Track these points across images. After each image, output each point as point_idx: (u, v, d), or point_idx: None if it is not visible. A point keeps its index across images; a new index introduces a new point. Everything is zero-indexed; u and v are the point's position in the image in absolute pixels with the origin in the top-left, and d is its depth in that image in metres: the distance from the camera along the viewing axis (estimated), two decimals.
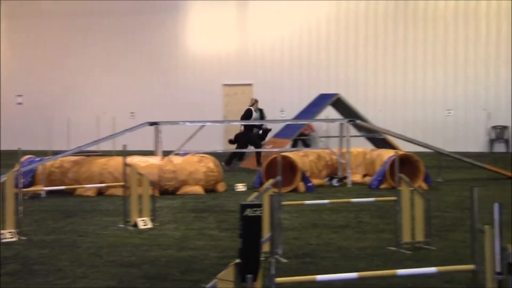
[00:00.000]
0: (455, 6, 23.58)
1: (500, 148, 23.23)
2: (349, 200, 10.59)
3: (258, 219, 4.51)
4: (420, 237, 8.01)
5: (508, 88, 22.95)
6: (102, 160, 13.52)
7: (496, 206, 5.02)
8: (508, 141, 23.16)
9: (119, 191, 11.42)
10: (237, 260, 4.49)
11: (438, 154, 15.51)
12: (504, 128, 23.23)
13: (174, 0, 25.33)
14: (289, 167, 13.44)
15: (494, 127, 23.34)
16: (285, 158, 13.07)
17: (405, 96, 24.03)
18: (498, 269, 5.11)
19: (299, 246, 8.22)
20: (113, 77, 25.36)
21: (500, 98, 23.24)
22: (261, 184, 12.44)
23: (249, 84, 24.61)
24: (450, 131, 23.12)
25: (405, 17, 23.99)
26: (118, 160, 12.03)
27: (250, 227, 4.49)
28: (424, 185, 13.36)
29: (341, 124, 15.24)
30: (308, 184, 13.43)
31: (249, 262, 4.49)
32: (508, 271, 5.12)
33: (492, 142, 23.31)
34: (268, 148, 16.84)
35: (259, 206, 4.55)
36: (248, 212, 4.47)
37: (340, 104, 17.64)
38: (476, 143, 23.03)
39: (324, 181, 14.55)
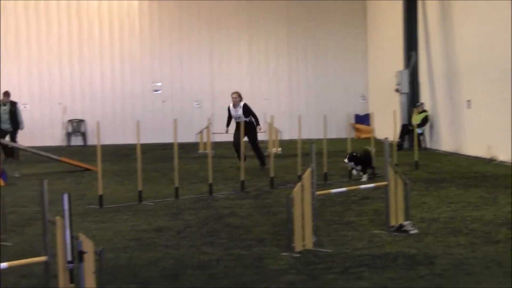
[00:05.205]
0: None
1: (77, 141, 23.82)
2: None
3: None
4: None
5: (82, 83, 23.70)
6: None
7: (64, 197, 5.17)
8: (85, 134, 23.86)
9: None
10: None
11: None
12: (81, 121, 23.87)
13: None
14: None
15: (71, 121, 23.81)
16: None
17: None
18: (69, 258, 5.28)
19: None
20: None
21: (75, 92, 23.81)
22: None
23: None
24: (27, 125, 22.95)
25: None
26: None
27: None
28: (0, 182, 13.06)
29: None
30: None
31: None
32: (79, 259, 5.33)
33: (69, 135, 23.75)
34: None
35: None
36: None
37: None
38: (53, 137, 23.21)
39: None
